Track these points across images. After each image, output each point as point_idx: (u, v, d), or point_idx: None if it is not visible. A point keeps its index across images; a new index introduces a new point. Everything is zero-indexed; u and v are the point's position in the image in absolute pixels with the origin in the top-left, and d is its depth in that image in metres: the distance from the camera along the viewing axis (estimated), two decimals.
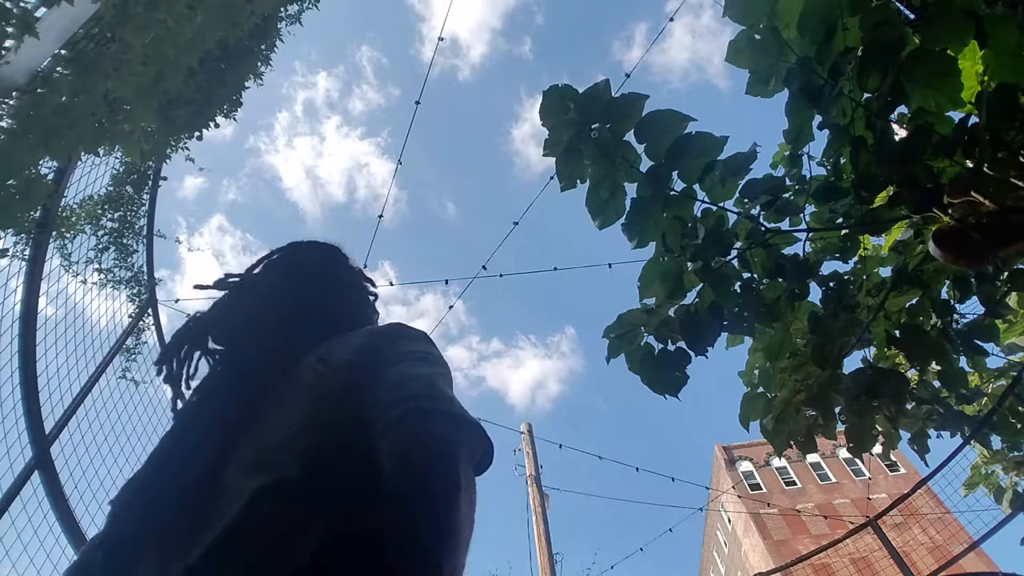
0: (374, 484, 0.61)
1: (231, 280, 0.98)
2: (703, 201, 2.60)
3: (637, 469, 8.21)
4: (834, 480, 24.52)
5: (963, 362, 3.03)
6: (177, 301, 5.14)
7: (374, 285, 1.09)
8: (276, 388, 0.75)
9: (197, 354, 0.91)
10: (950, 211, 1.26)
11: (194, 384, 0.88)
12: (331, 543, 0.56)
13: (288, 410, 0.71)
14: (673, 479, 9.34)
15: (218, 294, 0.97)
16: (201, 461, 0.70)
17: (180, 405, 0.86)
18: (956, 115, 2.23)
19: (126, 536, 0.69)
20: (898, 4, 2.35)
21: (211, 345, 0.92)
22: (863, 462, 21.63)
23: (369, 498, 0.59)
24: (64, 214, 3.65)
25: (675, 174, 2.56)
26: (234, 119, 3.77)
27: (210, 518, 0.61)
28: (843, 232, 2.83)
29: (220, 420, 0.75)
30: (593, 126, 2.57)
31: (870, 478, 21.85)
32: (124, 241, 4.16)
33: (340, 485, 0.63)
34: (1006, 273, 2.59)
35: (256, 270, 1.00)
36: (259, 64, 3.75)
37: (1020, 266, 2.55)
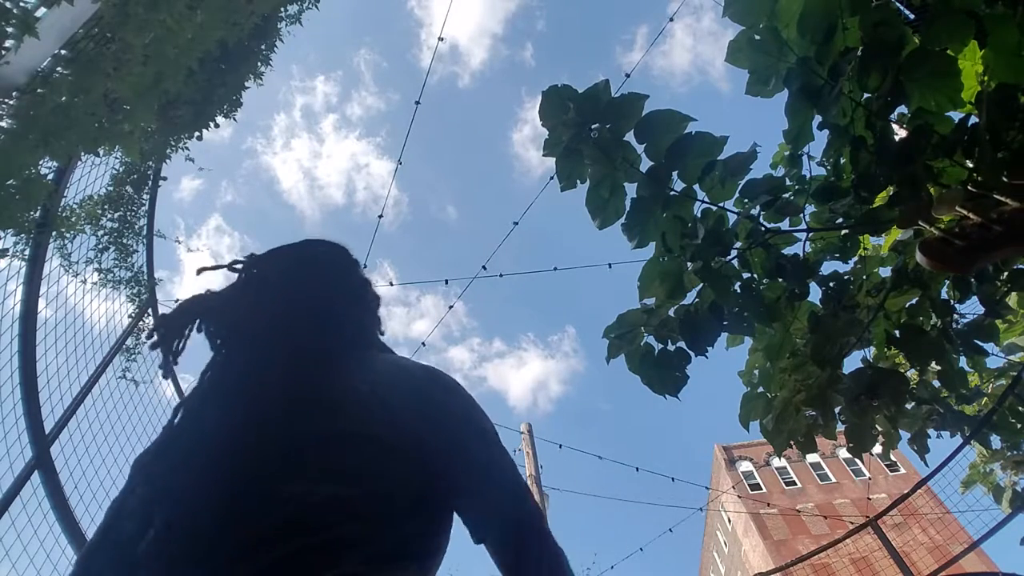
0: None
1: (240, 264, 0.94)
2: (703, 201, 2.60)
3: (637, 469, 8.21)
4: (834, 480, 24.52)
5: (963, 362, 3.03)
6: (177, 301, 5.13)
7: (378, 296, 1.06)
8: (308, 403, 0.71)
9: (194, 326, 0.88)
10: (937, 223, 1.30)
11: (201, 367, 0.84)
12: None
13: (344, 452, 0.67)
14: (673, 479, 9.32)
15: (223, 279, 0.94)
16: (212, 463, 0.66)
17: (176, 378, 0.84)
18: (956, 115, 2.23)
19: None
20: (898, 4, 2.35)
21: (211, 328, 0.88)
22: (863, 462, 21.62)
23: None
24: (64, 214, 3.65)
25: (675, 174, 2.56)
26: (234, 119, 3.78)
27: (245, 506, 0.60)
28: (843, 232, 2.83)
29: (236, 415, 0.72)
30: (593, 126, 2.57)
31: (870, 478, 21.86)
32: (124, 241, 4.15)
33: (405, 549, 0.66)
34: (1006, 273, 2.59)
35: (268, 261, 0.96)
36: (259, 64, 3.76)
37: (1020, 266, 2.55)
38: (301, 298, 0.91)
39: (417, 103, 5.09)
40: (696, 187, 2.59)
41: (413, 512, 0.68)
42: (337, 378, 0.76)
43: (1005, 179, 1.64)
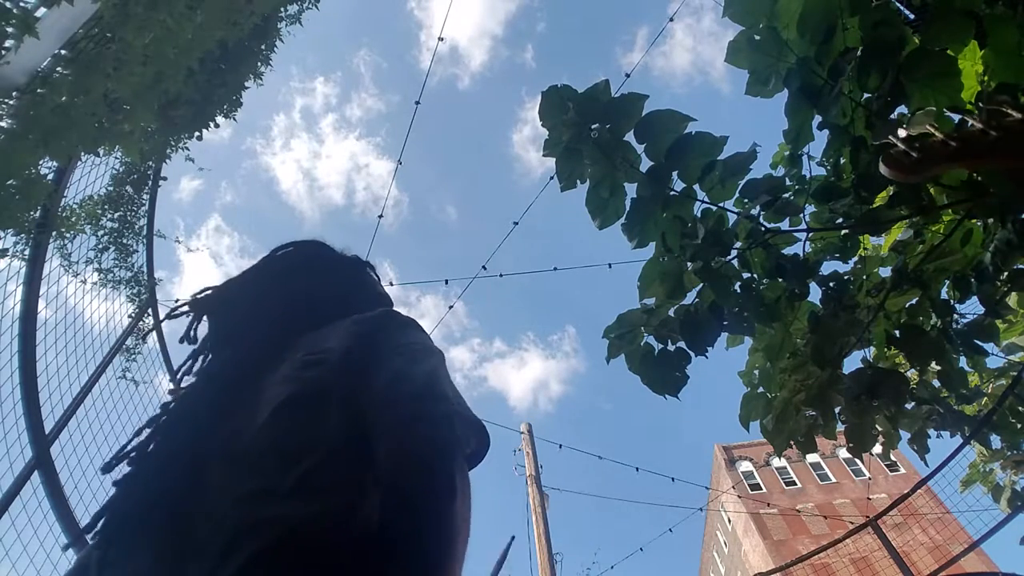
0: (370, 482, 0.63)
1: (209, 292, 0.97)
2: (703, 201, 2.60)
3: (637, 469, 8.22)
4: (834, 480, 24.51)
5: (963, 362, 3.03)
6: (176, 301, 5.14)
7: (370, 266, 1.08)
8: (263, 388, 0.74)
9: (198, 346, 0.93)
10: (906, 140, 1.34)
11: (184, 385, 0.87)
12: (330, 541, 0.56)
13: (279, 414, 0.68)
14: (673, 479, 9.36)
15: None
16: (187, 467, 0.68)
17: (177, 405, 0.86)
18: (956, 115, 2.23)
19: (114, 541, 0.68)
20: (898, 4, 2.35)
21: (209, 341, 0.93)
22: (863, 462, 21.61)
23: (366, 496, 0.60)
24: (64, 214, 3.65)
25: (675, 174, 2.56)
26: (234, 119, 3.77)
27: (200, 526, 0.60)
28: (843, 232, 2.83)
29: (207, 423, 0.74)
30: (593, 126, 2.57)
31: (870, 478, 21.86)
32: (124, 241, 4.15)
33: (336, 484, 0.62)
34: (1006, 273, 2.59)
35: (235, 282, 0.99)
36: (259, 64, 3.75)
37: (1020, 266, 2.55)
38: (271, 300, 0.93)
39: (417, 103, 5.10)
40: (696, 187, 2.60)
41: (343, 458, 0.66)
42: (285, 363, 0.77)
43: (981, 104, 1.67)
